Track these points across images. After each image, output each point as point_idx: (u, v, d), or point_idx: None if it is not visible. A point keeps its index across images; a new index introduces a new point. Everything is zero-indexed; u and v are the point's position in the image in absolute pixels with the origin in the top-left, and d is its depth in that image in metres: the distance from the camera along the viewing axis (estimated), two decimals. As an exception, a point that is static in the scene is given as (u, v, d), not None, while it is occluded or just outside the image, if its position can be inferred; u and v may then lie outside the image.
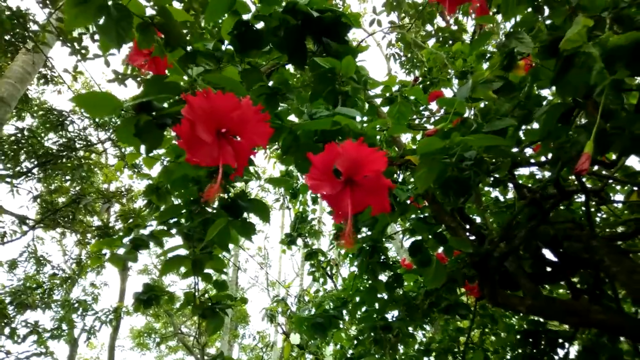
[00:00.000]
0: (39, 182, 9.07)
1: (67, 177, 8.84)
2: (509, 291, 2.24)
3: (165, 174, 1.34)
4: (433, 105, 2.93)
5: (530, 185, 2.64)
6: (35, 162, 8.48)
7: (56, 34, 6.60)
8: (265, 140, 0.80)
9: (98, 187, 9.24)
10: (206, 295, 1.88)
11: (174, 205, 1.43)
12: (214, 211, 1.43)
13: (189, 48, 1.23)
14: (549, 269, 2.48)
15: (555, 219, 2.32)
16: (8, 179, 8.55)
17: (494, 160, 1.64)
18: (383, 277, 2.34)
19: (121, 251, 1.77)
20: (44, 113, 8.73)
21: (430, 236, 1.72)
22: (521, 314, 3.49)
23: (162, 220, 1.47)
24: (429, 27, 5.82)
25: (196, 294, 1.86)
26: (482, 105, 1.62)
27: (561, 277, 2.54)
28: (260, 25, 1.30)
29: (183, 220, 1.58)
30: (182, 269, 1.69)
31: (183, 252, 1.52)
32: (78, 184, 8.74)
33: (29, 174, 8.75)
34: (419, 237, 1.75)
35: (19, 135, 8.28)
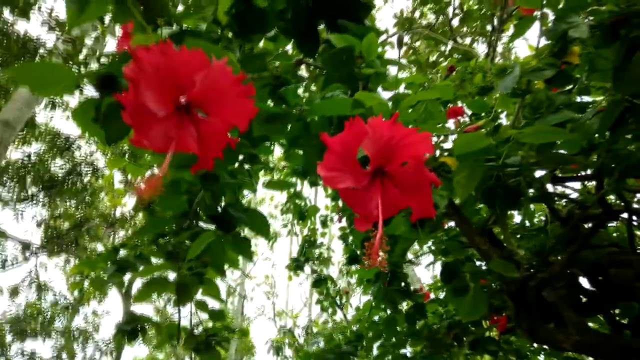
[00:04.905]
0: (44, 207, 8.94)
1: (72, 203, 8.70)
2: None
3: (150, 182, 1.12)
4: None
5: (560, 208, 2.39)
6: (41, 187, 8.36)
7: (63, 58, 6.55)
8: (245, 122, 0.56)
9: (103, 212, 9.07)
10: (200, 327, 1.63)
11: (157, 219, 1.20)
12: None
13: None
14: (584, 300, 2.22)
15: (597, 242, 2.07)
16: (11, 203, 8.42)
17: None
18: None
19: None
20: (51, 138, 8.65)
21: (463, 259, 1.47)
22: (550, 350, 3.19)
23: (142, 236, 1.24)
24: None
25: (190, 324, 1.62)
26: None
27: (599, 308, 2.27)
28: (264, 4, 1.10)
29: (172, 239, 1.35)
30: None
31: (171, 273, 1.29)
32: (82, 209, 8.59)
33: (34, 199, 8.62)
34: (451, 260, 1.51)
35: (26, 160, 8.19)
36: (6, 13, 5.72)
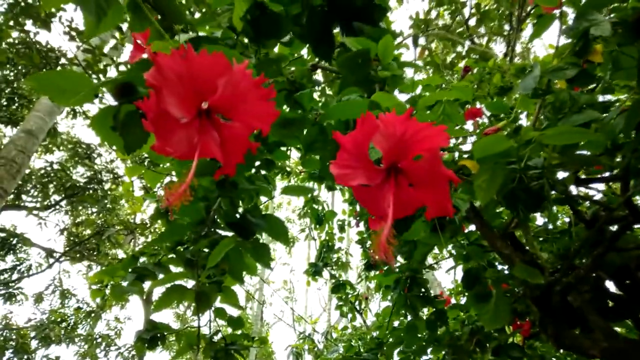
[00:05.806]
0: (66, 215, 9.09)
1: (94, 210, 8.84)
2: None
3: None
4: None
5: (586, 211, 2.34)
6: (63, 195, 8.51)
7: (83, 67, 6.66)
8: (267, 125, 0.55)
9: (124, 218, 9.18)
10: (219, 335, 1.63)
11: (175, 225, 1.20)
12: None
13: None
14: (610, 304, 2.16)
15: (623, 245, 2.01)
16: (35, 212, 8.59)
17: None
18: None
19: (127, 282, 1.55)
20: (72, 146, 8.81)
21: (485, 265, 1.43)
22: (576, 357, 3.10)
23: (160, 243, 1.25)
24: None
25: (210, 332, 1.62)
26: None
27: (627, 313, 2.21)
28: (279, 9, 1.09)
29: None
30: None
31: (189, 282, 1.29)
32: (103, 216, 8.72)
33: (57, 207, 8.78)
34: (473, 267, 1.47)
35: (49, 168, 8.35)
36: (28, 24, 5.85)
